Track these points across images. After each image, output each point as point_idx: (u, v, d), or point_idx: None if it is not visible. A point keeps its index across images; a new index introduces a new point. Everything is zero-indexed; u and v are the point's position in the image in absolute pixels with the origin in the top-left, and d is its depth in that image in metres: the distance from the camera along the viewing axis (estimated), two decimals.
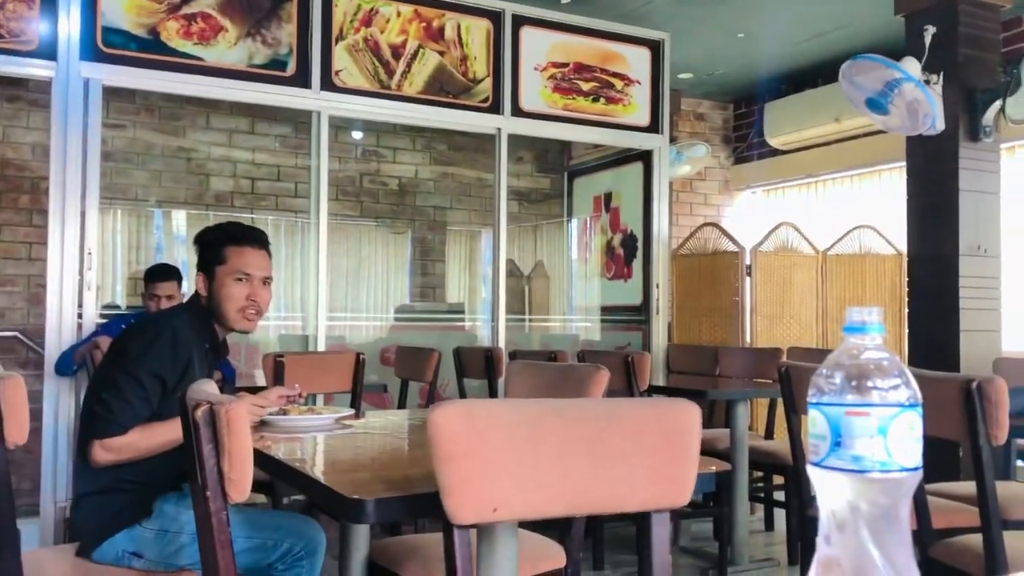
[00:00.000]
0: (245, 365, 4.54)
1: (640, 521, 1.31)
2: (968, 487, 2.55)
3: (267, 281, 2.42)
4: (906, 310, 4.90)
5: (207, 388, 1.64)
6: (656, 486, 1.15)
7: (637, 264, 5.77)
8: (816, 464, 0.67)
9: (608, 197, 6.17)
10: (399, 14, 4.76)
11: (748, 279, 5.56)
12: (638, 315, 5.68)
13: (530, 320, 6.92)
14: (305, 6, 4.50)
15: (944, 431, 2.44)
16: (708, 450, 4.19)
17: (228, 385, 3.84)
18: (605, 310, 6.23)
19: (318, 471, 1.78)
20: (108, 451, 2.15)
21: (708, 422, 4.72)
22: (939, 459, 4.05)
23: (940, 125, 4.33)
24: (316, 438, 2.17)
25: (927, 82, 4.32)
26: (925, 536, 2.48)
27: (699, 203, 7.23)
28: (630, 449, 1.12)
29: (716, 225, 6.07)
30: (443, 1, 4.86)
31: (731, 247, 5.73)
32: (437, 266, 7.01)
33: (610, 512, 1.20)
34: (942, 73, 4.41)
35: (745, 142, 7.26)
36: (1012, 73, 4.34)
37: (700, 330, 5.94)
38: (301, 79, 4.49)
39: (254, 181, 6.23)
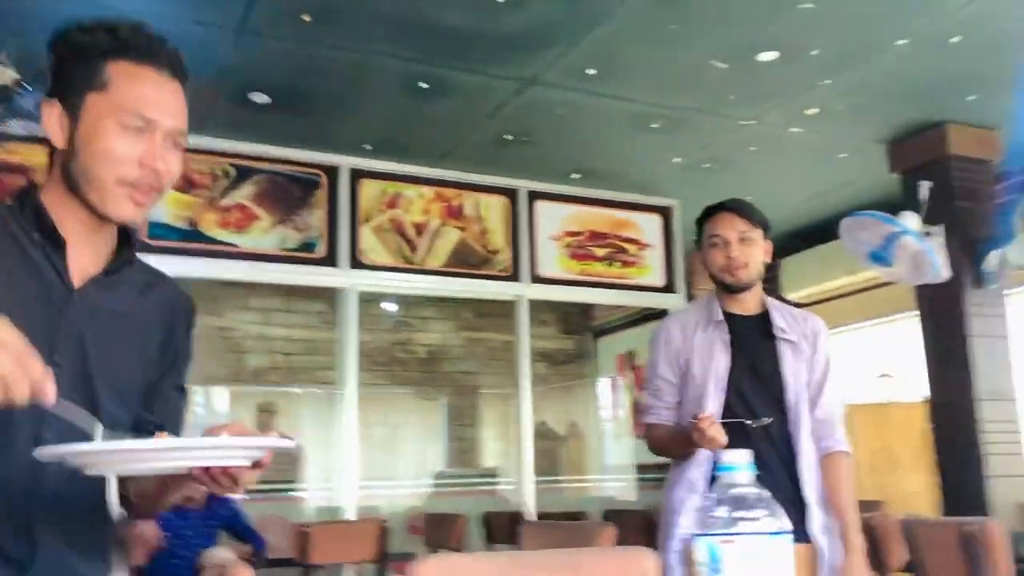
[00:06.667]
0: (276, 538, 4.60)
1: None
2: None
3: (179, 142, 1.22)
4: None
5: (221, 553, 1.76)
6: None
7: None
8: None
9: (631, 355, 6.31)
10: (422, 195, 5.12)
11: None
12: None
13: (565, 482, 6.92)
14: (333, 193, 4.87)
15: None
16: None
17: (260, 557, 3.88)
18: (641, 468, 6.22)
19: None
20: None
21: None
22: None
23: (945, 273, 4.44)
24: None
25: (927, 234, 4.47)
26: None
27: None
28: None
29: None
30: (462, 183, 5.22)
31: None
32: (469, 431, 7.11)
33: None
34: (943, 225, 4.56)
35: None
36: (1006, 223, 4.50)
37: None
38: (330, 259, 4.80)
39: (289, 356, 6.49)
